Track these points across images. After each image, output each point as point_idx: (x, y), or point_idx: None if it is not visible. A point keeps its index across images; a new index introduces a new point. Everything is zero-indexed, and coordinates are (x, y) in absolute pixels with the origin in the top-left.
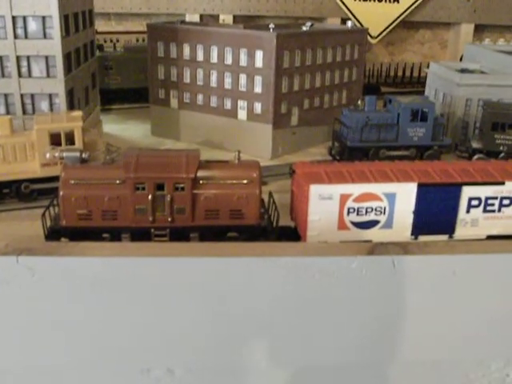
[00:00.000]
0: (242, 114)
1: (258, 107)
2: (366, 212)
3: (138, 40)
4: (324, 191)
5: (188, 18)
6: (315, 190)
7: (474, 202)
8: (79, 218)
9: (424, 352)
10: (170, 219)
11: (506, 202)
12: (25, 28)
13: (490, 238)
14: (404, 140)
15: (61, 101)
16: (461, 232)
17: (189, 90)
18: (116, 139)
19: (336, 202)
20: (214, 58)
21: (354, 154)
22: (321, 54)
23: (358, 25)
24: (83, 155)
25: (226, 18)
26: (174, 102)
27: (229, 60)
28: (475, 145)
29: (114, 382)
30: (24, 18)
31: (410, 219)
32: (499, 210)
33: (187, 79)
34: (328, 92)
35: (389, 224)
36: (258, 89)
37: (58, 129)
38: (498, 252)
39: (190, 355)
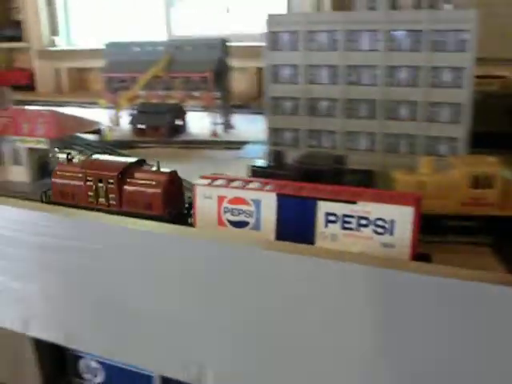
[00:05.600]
0: None
1: None
2: (238, 213)
3: None
4: (206, 192)
5: None
6: (200, 190)
7: (331, 218)
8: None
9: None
10: (107, 204)
11: (363, 221)
12: None
13: None
14: None
15: (460, 144)
16: (321, 244)
17: None
18: None
19: (215, 201)
20: None
21: None
22: None
23: None
24: None
25: None
26: None
27: None
28: None
29: None
30: None
31: (273, 225)
32: (358, 229)
33: None
34: None
35: (257, 226)
36: None
37: (477, 173)
38: None
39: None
